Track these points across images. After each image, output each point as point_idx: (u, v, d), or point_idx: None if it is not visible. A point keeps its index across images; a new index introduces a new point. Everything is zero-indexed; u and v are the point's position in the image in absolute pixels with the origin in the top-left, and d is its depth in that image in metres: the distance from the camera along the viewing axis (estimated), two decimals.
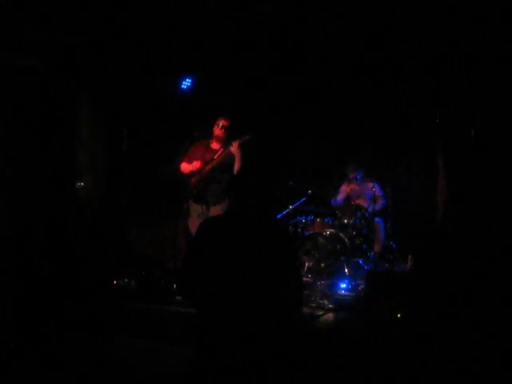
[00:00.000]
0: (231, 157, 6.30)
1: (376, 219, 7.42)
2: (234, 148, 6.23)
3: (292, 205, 7.38)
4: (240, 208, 2.92)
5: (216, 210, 6.30)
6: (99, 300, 5.57)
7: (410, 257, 7.05)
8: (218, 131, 6.42)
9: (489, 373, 4.05)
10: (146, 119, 7.69)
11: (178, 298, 5.53)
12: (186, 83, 7.50)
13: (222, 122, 6.41)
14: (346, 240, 6.93)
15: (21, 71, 6.47)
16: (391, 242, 7.46)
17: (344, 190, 7.83)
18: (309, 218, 7.29)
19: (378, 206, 7.44)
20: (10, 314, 4.95)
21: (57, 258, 5.88)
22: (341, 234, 6.99)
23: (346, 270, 6.67)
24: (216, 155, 6.40)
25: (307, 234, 7.11)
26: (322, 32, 6.58)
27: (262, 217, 2.90)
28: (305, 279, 6.68)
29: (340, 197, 7.83)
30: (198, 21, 6.49)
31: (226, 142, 6.41)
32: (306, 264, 6.84)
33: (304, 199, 7.36)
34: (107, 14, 6.32)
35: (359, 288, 6.33)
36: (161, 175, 7.20)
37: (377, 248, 7.29)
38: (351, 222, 7.19)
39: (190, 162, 6.45)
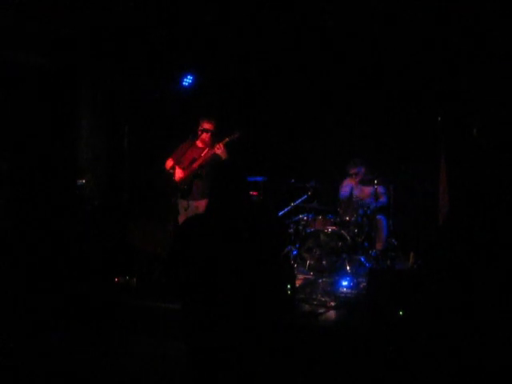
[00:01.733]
0: (217, 155, 6.33)
1: (378, 216, 7.39)
2: (219, 150, 6.27)
3: (293, 202, 7.36)
4: (219, 202, 2.95)
5: (200, 205, 6.31)
6: (100, 297, 5.57)
7: (411, 254, 7.03)
8: (201, 134, 6.45)
9: (489, 371, 4.04)
10: (147, 116, 7.68)
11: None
12: (187, 80, 7.48)
13: (205, 125, 6.45)
14: (348, 237, 6.90)
15: (22, 67, 6.46)
16: (393, 240, 7.43)
17: (346, 184, 7.79)
18: (310, 215, 7.27)
19: (380, 203, 7.41)
20: (10, 312, 4.94)
21: (57, 254, 5.88)
22: (342, 232, 6.95)
23: (348, 268, 6.66)
24: (203, 153, 6.43)
25: (309, 231, 7.08)
26: (324, 30, 6.58)
27: (241, 209, 2.92)
28: (306, 276, 6.69)
29: (345, 189, 7.78)
30: (198, 19, 6.49)
31: (211, 143, 6.44)
32: (308, 261, 6.81)
33: (305, 196, 7.34)
34: (109, 11, 6.31)
35: (361, 285, 6.33)
36: (157, 173, 7.19)
37: (378, 245, 7.27)
38: (353, 219, 7.16)
39: (175, 159, 6.54)
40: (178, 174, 6.51)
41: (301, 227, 7.23)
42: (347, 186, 7.74)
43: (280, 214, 7.40)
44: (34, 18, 6.23)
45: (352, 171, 7.62)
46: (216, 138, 6.42)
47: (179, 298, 2.89)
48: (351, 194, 7.63)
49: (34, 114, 6.45)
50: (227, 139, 6.28)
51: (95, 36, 6.65)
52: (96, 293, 5.60)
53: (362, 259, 6.92)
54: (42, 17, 6.24)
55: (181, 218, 6.54)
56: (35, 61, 6.54)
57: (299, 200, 7.37)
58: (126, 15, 6.39)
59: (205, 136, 6.45)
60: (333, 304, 5.71)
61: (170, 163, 6.60)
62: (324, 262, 6.81)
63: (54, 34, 6.47)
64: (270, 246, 2.90)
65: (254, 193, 7.23)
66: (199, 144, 6.58)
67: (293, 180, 7.34)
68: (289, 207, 7.38)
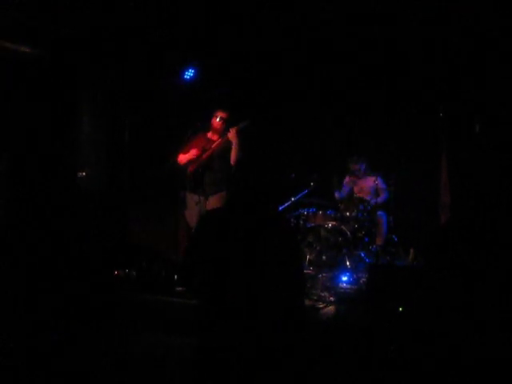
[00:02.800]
0: (228, 145, 6.28)
1: (378, 212, 7.41)
2: (231, 135, 6.20)
3: (294, 197, 7.37)
4: (239, 199, 2.92)
5: (214, 200, 6.28)
6: (100, 290, 5.60)
7: (411, 250, 7.06)
8: (216, 123, 6.43)
9: (489, 370, 4.06)
10: (148, 110, 7.68)
11: (179, 288, 5.56)
12: (189, 73, 7.47)
13: (220, 115, 6.42)
14: (348, 233, 6.93)
15: (23, 61, 6.47)
16: (393, 236, 7.45)
17: (347, 182, 7.82)
18: (311, 210, 7.28)
19: (381, 199, 7.43)
20: (10, 309, 4.96)
21: (57, 254, 5.90)
22: (343, 227, 6.98)
23: (348, 263, 6.67)
24: (213, 145, 6.40)
25: (309, 226, 7.11)
26: (325, 26, 6.57)
27: (262, 207, 2.90)
28: (306, 272, 6.70)
29: (343, 190, 7.82)
30: (198, 13, 6.49)
31: (224, 131, 6.40)
32: (308, 256, 6.83)
33: (306, 191, 7.35)
34: (109, 11, 6.32)
35: (361, 281, 6.35)
36: (161, 167, 7.19)
37: (379, 241, 7.28)
38: (353, 214, 7.18)
39: (186, 152, 6.44)
40: (184, 158, 6.44)
41: (301, 222, 7.25)
42: (345, 187, 7.78)
43: (280, 208, 7.40)
44: (34, 18, 6.25)
45: (354, 167, 7.64)
46: (227, 128, 6.37)
47: (196, 294, 2.87)
48: (351, 191, 7.66)
49: (33, 114, 6.47)
50: (239, 126, 6.21)
51: (95, 36, 6.66)
52: (96, 287, 5.62)
53: (362, 254, 6.94)
54: (42, 16, 6.25)
55: (189, 213, 6.46)
56: (35, 61, 6.55)
57: (300, 195, 7.38)
58: (126, 15, 6.40)
59: (217, 124, 6.42)
60: (332, 299, 5.75)
61: (183, 158, 6.48)
62: (324, 257, 6.83)
63: (54, 33, 6.49)
64: (291, 245, 2.89)
65: None
66: (210, 135, 6.52)
67: (293, 174, 7.34)
68: (289, 202, 7.38)
